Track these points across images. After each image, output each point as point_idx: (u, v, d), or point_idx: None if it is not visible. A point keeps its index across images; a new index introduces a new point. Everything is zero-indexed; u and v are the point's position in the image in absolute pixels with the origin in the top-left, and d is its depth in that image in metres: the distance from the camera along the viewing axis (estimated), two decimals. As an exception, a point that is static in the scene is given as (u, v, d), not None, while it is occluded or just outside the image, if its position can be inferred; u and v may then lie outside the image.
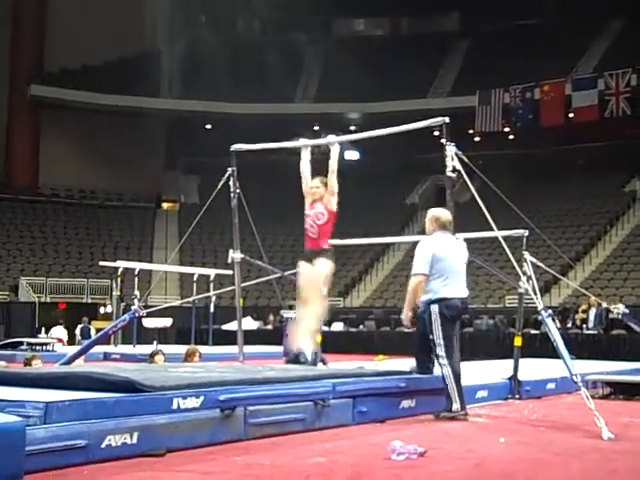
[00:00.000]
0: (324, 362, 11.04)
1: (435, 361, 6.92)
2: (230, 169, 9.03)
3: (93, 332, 20.50)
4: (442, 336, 6.72)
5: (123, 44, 33.35)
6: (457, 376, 6.77)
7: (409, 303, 6.93)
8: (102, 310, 24.23)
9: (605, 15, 33.53)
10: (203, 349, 12.56)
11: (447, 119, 7.63)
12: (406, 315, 7.00)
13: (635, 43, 30.15)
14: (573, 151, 31.42)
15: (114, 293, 21.90)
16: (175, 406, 5.21)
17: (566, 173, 30.92)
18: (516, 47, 32.44)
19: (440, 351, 6.74)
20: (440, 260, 6.78)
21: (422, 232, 7.48)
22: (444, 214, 7.12)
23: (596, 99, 28.98)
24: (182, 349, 14.16)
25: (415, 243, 7.66)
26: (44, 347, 16.97)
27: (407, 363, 7.64)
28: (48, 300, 26.51)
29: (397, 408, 6.82)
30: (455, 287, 6.82)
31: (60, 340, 19.72)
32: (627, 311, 9.45)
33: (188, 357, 10.85)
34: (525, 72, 30.65)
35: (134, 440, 4.86)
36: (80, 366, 8.46)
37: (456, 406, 6.73)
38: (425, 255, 6.79)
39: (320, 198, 8.01)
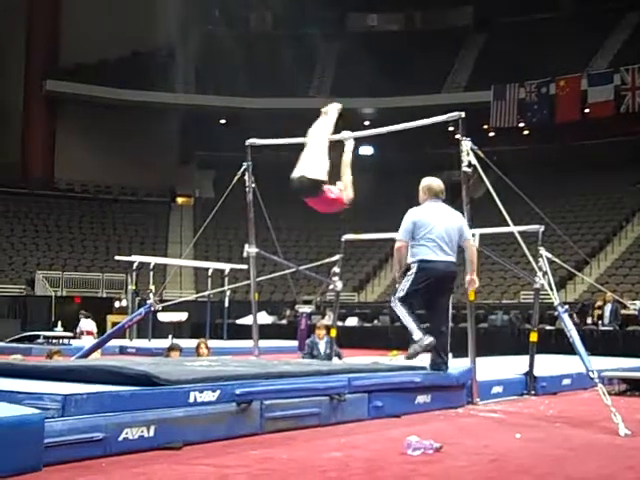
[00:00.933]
0: (340, 356, 11.10)
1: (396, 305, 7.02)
2: (245, 164, 9.05)
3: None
4: (407, 288, 7.00)
5: (137, 39, 33.44)
6: (412, 313, 6.96)
7: (395, 265, 7.33)
8: (117, 304, 24.31)
9: (621, 9, 33.31)
10: (218, 343, 12.64)
11: (463, 114, 7.61)
12: (394, 275, 7.42)
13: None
14: (588, 147, 31.23)
15: (129, 287, 21.96)
16: (192, 400, 5.23)
17: (581, 169, 30.76)
18: (531, 42, 32.27)
19: (399, 296, 6.99)
20: (424, 226, 7.07)
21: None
22: (436, 183, 7.37)
23: (612, 94, 28.83)
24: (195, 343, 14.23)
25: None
26: (60, 340, 17.07)
27: (421, 359, 7.63)
28: (64, 294, 26.64)
29: (412, 403, 6.82)
30: (439, 251, 7.05)
31: (90, 333, 19.79)
32: (643, 307, 9.40)
33: (197, 349, 10.95)
34: (540, 67, 30.50)
35: (151, 433, 4.89)
36: (97, 359, 8.51)
37: (418, 335, 6.86)
38: (406, 223, 7.16)
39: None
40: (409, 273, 7.07)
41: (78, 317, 21.64)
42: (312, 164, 7.70)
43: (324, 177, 7.66)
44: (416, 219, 7.11)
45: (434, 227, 7.07)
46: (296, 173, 7.68)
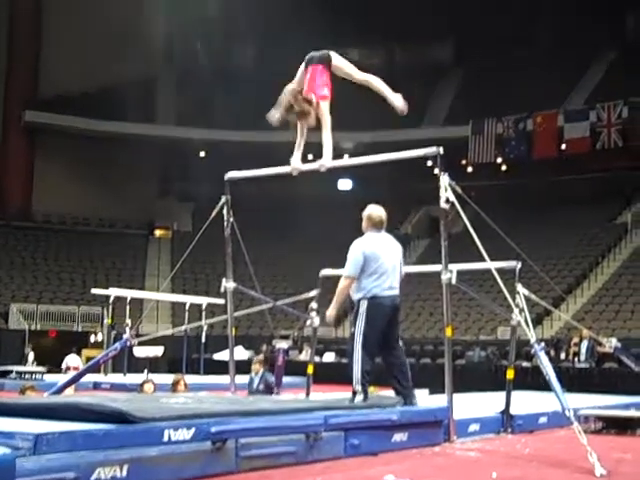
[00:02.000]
0: (270, 389, 11.21)
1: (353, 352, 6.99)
2: (224, 198, 9.02)
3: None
4: (363, 332, 6.93)
5: (118, 70, 33.48)
6: (368, 369, 6.93)
7: (336, 303, 7.18)
8: (93, 338, 24.07)
9: (597, 47, 33.88)
10: (195, 379, 12.52)
11: (441, 150, 7.66)
12: (330, 314, 7.20)
13: (626, 75, 30.49)
14: (565, 182, 31.54)
15: (105, 321, 21.78)
16: (166, 438, 5.16)
17: (558, 204, 31.02)
18: (509, 78, 32.70)
19: (357, 344, 6.92)
20: (371, 259, 6.99)
21: (416, 262, 7.53)
22: (376, 213, 7.29)
23: (588, 131, 29.22)
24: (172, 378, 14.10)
25: (407, 274, 7.70)
26: (33, 376, 16.83)
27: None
28: (39, 327, 26.34)
29: (389, 441, 6.77)
30: (386, 285, 7.01)
31: (76, 368, 19.53)
32: (619, 345, 9.44)
33: (173, 386, 10.96)
34: (518, 103, 30.87)
35: (124, 473, 4.80)
36: (70, 396, 8.40)
37: (359, 398, 6.89)
38: (356, 257, 7.02)
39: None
40: (360, 312, 7.01)
41: (55, 351, 21.46)
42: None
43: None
44: (367, 252, 7.03)
45: (382, 260, 7.05)
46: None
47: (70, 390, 9.43)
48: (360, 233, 7.48)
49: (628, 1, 32.69)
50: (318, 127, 7.68)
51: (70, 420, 5.09)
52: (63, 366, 19.93)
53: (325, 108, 7.56)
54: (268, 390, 11.51)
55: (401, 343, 7.36)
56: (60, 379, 10.99)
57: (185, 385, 11.30)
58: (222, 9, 32.78)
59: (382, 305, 7.01)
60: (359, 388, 6.93)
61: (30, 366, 19.42)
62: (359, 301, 7.06)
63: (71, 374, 16.45)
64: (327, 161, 7.66)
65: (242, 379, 13.74)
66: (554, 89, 31.94)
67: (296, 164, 7.91)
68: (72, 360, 20.19)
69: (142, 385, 11.04)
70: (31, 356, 21.57)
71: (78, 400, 6.06)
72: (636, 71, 30.07)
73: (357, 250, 7.07)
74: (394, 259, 7.20)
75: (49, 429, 4.69)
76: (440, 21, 34.73)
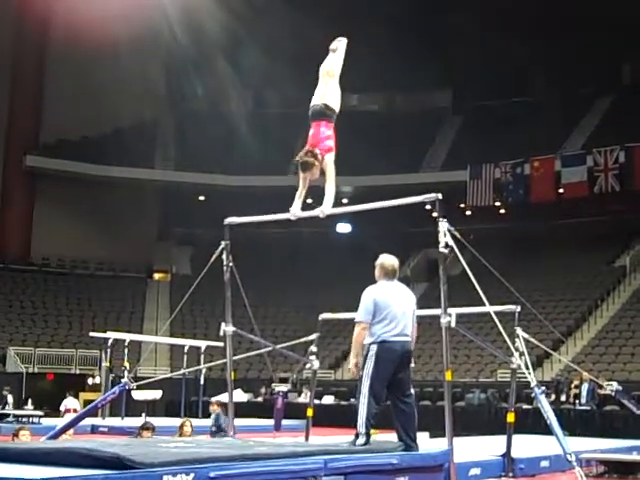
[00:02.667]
0: (220, 429, 11.52)
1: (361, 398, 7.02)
2: (223, 243, 9.05)
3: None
4: (371, 375, 6.98)
5: (118, 116, 33.78)
6: (373, 413, 6.95)
7: (354, 350, 7.22)
8: (90, 381, 23.92)
9: (592, 94, 34.26)
10: (193, 422, 12.47)
11: (440, 195, 7.71)
12: (352, 363, 7.23)
13: (622, 120, 30.78)
14: (564, 226, 31.65)
15: (103, 364, 21.67)
16: (165, 483, 5.12)
17: (557, 248, 31.11)
18: (506, 124, 32.98)
19: (364, 388, 6.98)
20: (382, 306, 7.05)
21: (416, 305, 7.54)
22: (388, 262, 7.33)
23: (585, 175, 29.38)
24: (171, 422, 14.05)
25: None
26: (30, 419, 16.73)
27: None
28: (36, 370, 26.18)
29: (390, 486, 6.71)
30: (396, 331, 7.05)
31: (75, 410, 19.41)
32: (620, 388, 9.41)
33: (180, 429, 11.15)
34: (515, 148, 31.10)
35: (122, 518, 4.77)
36: (67, 440, 8.34)
37: (361, 441, 6.90)
38: (367, 304, 7.09)
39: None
40: (369, 355, 7.04)
41: (53, 394, 21.31)
42: (332, 96, 8.02)
43: (338, 109, 8.00)
44: (377, 299, 7.10)
45: (392, 307, 7.10)
46: (317, 101, 7.96)
47: (68, 434, 9.36)
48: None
49: (624, 48, 33.09)
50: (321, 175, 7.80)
51: (68, 466, 5.06)
52: (62, 409, 19.79)
53: (330, 160, 7.76)
54: (219, 430, 12.12)
55: (413, 391, 7.31)
56: (58, 422, 10.94)
57: (191, 427, 11.39)
58: (221, 55, 33.17)
59: (391, 350, 7.02)
60: (363, 431, 6.92)
61: (21, 410, 19.25)
62: (369, 345, 7.09)
63: (69, 417, 16.40)
64: (327, 209, 7.83)
65: (241, 422, 13.69)
66: (551, 134, 32.23)
67: (296, 212, 8.05)
68: (70, 403, 20.06)
69: (141, 429, 10.99)
70: (10, 399, 21.40)
71: (76, 445, 6.01)
72: (632, 116, 30.38)
73: (368, 297, 7.13)
74: (406, 307, 7.23)
75: (46, 475, 4.66)
76: (439, 68, 35.14)
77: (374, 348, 7.03)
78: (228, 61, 33.69)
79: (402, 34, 34.64)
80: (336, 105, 8.00)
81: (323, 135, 7.83)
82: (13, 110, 33.82)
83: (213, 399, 15.32)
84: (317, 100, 8.00)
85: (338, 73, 8.22)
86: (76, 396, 21.91)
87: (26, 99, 33.74)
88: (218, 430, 12.75)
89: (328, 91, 8.04)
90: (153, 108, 36.79)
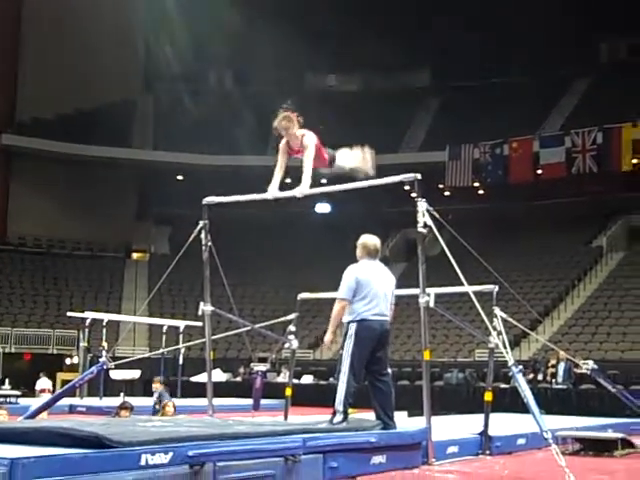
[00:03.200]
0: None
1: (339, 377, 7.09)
2: (202, 222, 9.01)
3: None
4: (351, 354, 7.04)
5: (96, 94, 33.45)
6: (352, 391, 7.01)
7: (332, 326, 7.26)
8: (68, 361, 23.84)
9: (570, 76, 34.37)
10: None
11: (419, 175, 7.72)
12: (328, 338, 7.36)
13: (600, 102, 30.91)
14: (542, 207, 31.82)
15: (81, 344, 21.60)
16: (143, 462, 5.10)
17: (535, 228, 31.28)
18: (486, 104, 33.04)
19: (344, 366, 7.05)
20: (363, 285, 7.12)
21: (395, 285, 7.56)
22: (371, 242, 7.39)
23: (563, 156, 29.50)
24: (150, 401, 14.04)
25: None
26: (8, 399, 16.64)
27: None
28: (13, 350, 26.05)
29: (368, 464, 6.76)
30: (375, 310, 7.12)
31: (49, 391, 19.38)
32: (596, 367, 9.50)
33: (162, 409, 11.25)
34: (494, 129, 31.17)
35: (100, 497, 4.76)
36: (45, 420, 8.30)
37: (338, 419, 6.97)
38: (349, 281, 7.16)
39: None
40: (349, 334, 7.08)
41: (30, 374, 21.22)
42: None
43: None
44: (360, 277, 7.14)
45: (373, 286, 7.15)
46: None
47: (44, 414, 9.33)
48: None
49: (601, 29, 33.18)
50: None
51: (46, 445, 5.04)
52: (37, 388, 19.74)
53: (310, 140, 7.87)
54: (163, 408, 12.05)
55: (389, 371, 7.36)
56: (34, 402, 10.88)
57: (174, 408, 11.41)
58: (200, 33, 32.89)
59: (371, 328, 7.08)
60: (340, 408, 6.95)
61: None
62: (348, 324, 7.14)
63: (45, 397, 16.37)
64: (305, 189, 7.83)
65: (220, 402, 13.67)
66: (529, 115, 32.32)
67: (274, 192, 8.03)
68: (44, 383, 20.02)
69: (119, 409, 10.97)
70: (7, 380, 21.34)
71: (53, 424, 5.98)
72: (610, 97, 30.52)
73: (351, 275, 7.18)
74: (386, 287, 7.29)
75: (25, 454, 4.63)
76: (417, 49, 35.08)
77: (353, 326, 7.08)
78: (207, 39, 33.39)
79: (380, 14, 34.55)
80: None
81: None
82: (-12, 88, 33.42)
83: (155, 377, 15.25)
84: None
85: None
86: (54, 376, 21.85)
87: (1, 77, 33.29)
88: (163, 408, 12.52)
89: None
90: (131, 87, 36.47)
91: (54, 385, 20.51)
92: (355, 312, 7.10)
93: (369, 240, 7.38)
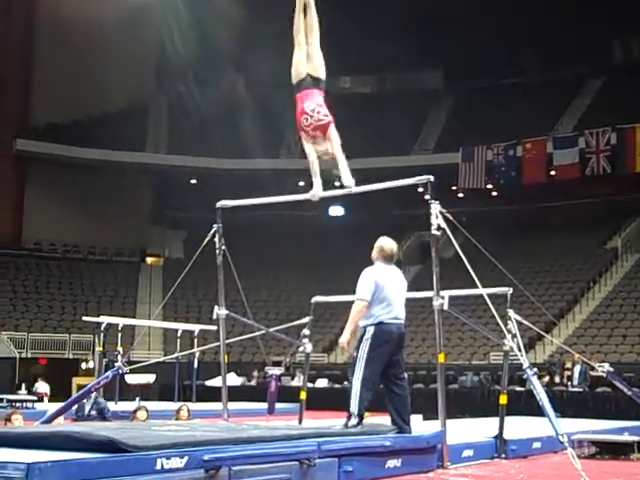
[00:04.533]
0: (104, 415, 11.42)
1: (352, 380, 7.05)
2: (216, 226, 9.03)
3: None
4: (366, 357, 6.99)
5: (109, 99, 33.59)
6: (367, 395, 6.93)
7: (350, 326, 7.17)
8: (84, 366, 23.92)
9: (584, 76, 34.24)
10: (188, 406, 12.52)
11: (432, 177, 7.71)
12: (346, 338, 7.16)
13: (614, 102, 30.76)
14: (556, 208, 31.71)
15: (97, 349, 21.66)
16: (159, 466, 5.12)
17: (549, 230, 31.17)
18: (499, 105, 32.97)
19: (358, 369, 6.99)
20: (381, 288, 7.09)
21: (408, 288, 7.55)
22: (388, 246, 7.36)
23: (577, 157, 29.37)
24: (165, 405, 14.07)
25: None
26: (24, 404, 16.73)
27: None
28: (29, 355, 26.17)
29: (383, 468, 6.75)
30: (392, 314, 7.10)
31: (46, 395, 19.50)
32: (612, 369, 9.44)
33: (177, 413, 11.20)
34: (508, 130, 31.08)
35: (117, 502, 4.78)
36: (61, 424, 8.34)
37: (353, 422, 6.92)
38: (368, 283, 7.11)
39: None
40: (365, 337, 7.06)
41: (46, 379, 21.37)
42: (314, 61, 7.66)
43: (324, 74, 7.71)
44: (378, 280, 7.12)
45: (390, 290, 7.15)
46: (299, 70, 7.57)
47: (60, 418, 9.37)
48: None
49: (615, 29, 33.03)
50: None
51: (62, 449, 5.06)
52: (35, 392, 19.91)
53: (333, 130, 7.69)
54: (100, 415, 11.65)
55: (405, 375, 7.35)
56: (50, 407, 10.93)
57: (188, 412, 11.43)
58: (213, 38, 32.95)
59: (388, 331, 7.07)
60: (355, 412, 6.93)
61: (14, 394, 19.31)
62: (365, 327, 7.11)
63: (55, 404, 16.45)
64: (349, 180, 7.70)
65: (235, 406, 13.69)
66: (543, 116, 32.21)
67: (318, 192, 7.91)
68: (41, 387, 20.14)
69: (135, 412, 11.02)
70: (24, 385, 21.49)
71: (69, 429, 6.02)
72: (623, 98, 30.37)
73: (369, 277, 7.15)
74: (401, 292, 7.29)
75: (41, 458, 4.66)
76: (430, 50, 35.01)
77: (371, 330, 7.05)
78: (220, 42, 33.46)
79: (393, 15, 34.51)
80: (320, 71, 7.66)
81: (314, 105, 7.58)
82: (2, 94, 33.54)
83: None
84: (299, 69, 7.62)
85: (317, 33, 7.69)
86: (69, 381, 21.94)
87: (15, 82, 33.46)
88: (99, 415, 11.75)
89: (308, 57, 7.62)
90: (145, 91, 36.61)
91: (69, 390, 20.57)
92: (373, 315, 7.07)
93: (387, 244, 7.37)
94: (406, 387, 7.28)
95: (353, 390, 7.01)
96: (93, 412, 11.87)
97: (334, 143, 7.63)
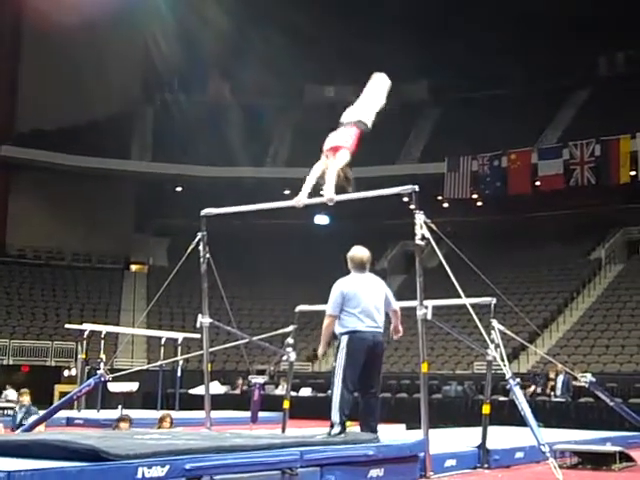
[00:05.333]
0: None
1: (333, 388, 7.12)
2: (200, 234, 9.01)
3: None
4: (343, 366, 7.05)
5: (95, 106, 33.50)
6: (347, 403, 7.00)
7: (323, 340, 7.36)
8: (66, 373, 23.78)
9: (569, 88, 34.49)
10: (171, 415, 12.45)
11: (416, 187, 7.73)
12: (321, 350, 7.50)
13: (599, 114, 30.99)
14: (540, 219, 31.85)
15: (79, 356, 21.54)
16: (140, 475, 5.08)
17: (533, 240, 31.32)
18: (484, 116, 33.11)
19: (337, 378, 7.06)
20: (351, 298, 7.16)
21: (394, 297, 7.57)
22: (357, 255, 7.43)
23: (561, 168, 29.55)
24: (148, 414, 14.00)
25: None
26: (4, 412, 16.61)
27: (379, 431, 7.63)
28: (11, 362, 25.99)
29: (365, 477, 6.73)
30: (367, 322, 7.14)
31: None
32: (594, 380, 9.49)
33: (160, 422, 11.05)
34: (493, 140, 31.23)
35: (97, 511, 4.74)
36: (42, 433, 8.28)
37: (335, 431, 6.93)
38: (335, 297, 7.24)
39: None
40: (341, 346, 7.11)
41: (28, 387, 21.17)
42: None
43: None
44: (345, 291, 7.20)
45: (362, 298, 7.19)
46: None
47: (42, 426, 9.30)
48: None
49: (600, 41, 33.29)
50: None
51: (42, 458, 5.02)
52: (2, 398, 19.75)
53: (341, 155, 8.04)
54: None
55: (378, 388, 7.40)
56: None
57: (171, 421, 11.35)
58: (199, 46, 32.97)
59: (363, 339, 7.10)
60: (337, 420, 6.95)
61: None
62: (341, 336, 7.17)
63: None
64: (331, 193, 7.78)
65: (218, 414, 13.64)
66: (528, 127, 32.40)
67: (302, 199, 8.04)
68: (10, 394, 20.03)
69: (118, 421, 10.96)
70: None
71: (51, 437, 5.98)
72: (608, 110, 30.60)
73: (336, 290, 7.25)
74: (376, 299, 7.31)
75: (21, 467, 4.62)
76: (417, 60, 35.16)
77: (345, 339, 7.11)
78: (207, 51, 33.50)
79: (380, 25, 34.67)
80: (359, 116, 8.65)
81: (343, 133, 8.38)
82: (-12, 100, 33.47)
83: (21, 390, 14.24)
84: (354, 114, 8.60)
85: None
86: (52, 388, 21.80)
87: (1, 88, 33.35)
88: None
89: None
90: (130, 99, 36.53)
91: (51, 398, 20.43)
92: (347, 325, 7.13)
93: (356, 253, 7.43)
94: (378, 397, 7.36)
95: (333, 399, 7.05)
96: (24, 422, 11.66)
97: (336, 159, 7.94)
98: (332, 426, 7.00)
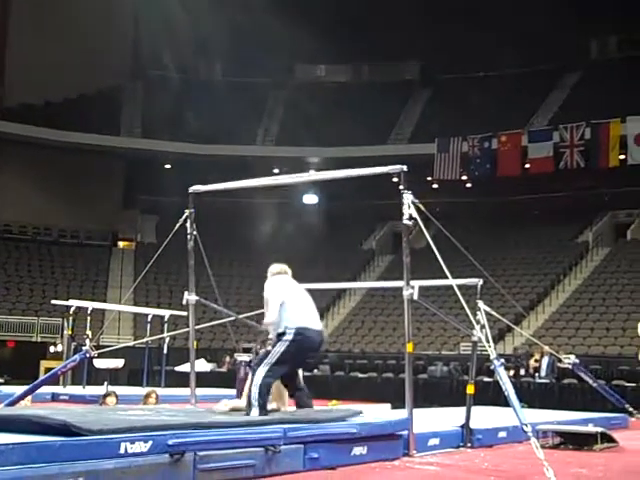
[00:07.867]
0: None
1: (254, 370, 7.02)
2: (187, 211, 8.96)
3: None
4: (276, 360, 6.91)
5: (84, 81, 33.28)
6: (268, 390, 6.91)
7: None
8: (52, 349, 23.76)
9: (560, 70, 34.45)
10: (156, 391, 12.45)
11: (405, 167, 7.71)
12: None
13: (589, 97, 30.98)
14: (529, 201, 31.93)
15: (65, 332, 21.51)
16: (122, 450, 5.10)
17: (522, 222, 31.40)
18: (475, 98, 33.04)
19: (263, 367, 6.88)
20: (294, 294, 7.26)
21: (380, 278, 7.58)
22: (274, 268, 7.60)
23: (551, 151, 29.55)
24: (134, 390, 14.01)
25: (370, 289, 7.71)
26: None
27: (363, 409, 7.73)
28: (-4, 338, 25.98)
29: (349, 455, 6.77)
30: (313, 320, 7.20)
31: None
32: (577, 361, 9.54)
33: (145, 398, 11.04)
34: (483, 122, 31.20)
35: (79, 485, 4.75)
36: (24, 408, 8.27)
37: (255, 412, 6.73)
38: (276, 298, 7.15)
39: None
40: (285, 338, 6.98)
41: (14, 362, 21.20)
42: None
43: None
44: (283, 291, 7.22)
45: (302, 296, 7.33)
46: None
47: (26, 402, 9.29)
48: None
49: (592, 25, 33.20)
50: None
51: (23, 433, 5.02)
52: None
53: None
54: None
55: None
56: (18, 391, 10.84)
57: (157, 398, 11.36)
58: (190, 22, 32.71)
59: (307, 339, 7.06)
60: (256, 403, 6.76)
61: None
62: (287, 329, 7.03)
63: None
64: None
65: (204, 391, 13.66)
66: (519, 109, 32.38)
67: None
68: None
69: (105, 397, 10.96)
70: None
71: (28, 412, 5.97)
72: (598, 93, 30.59)
73: (275, 292, 7.22)
74: (305, 297, 7.38)
75: (2, 441, 4.62)
76: (407, 40, 35.03)
77: (292, 332, 7.00)
78: (196, 27, 33.24)
79: (371, 5, 34.49)
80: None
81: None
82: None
83: None
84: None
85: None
86: (37, 364, 21.78)
87: (-12, 62, 33.09)
88: None
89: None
90: (120, 74, 36.30)
91: (36, 373, 20.43)
92: (292, 320, 7.04)
93: (272, 268, 7.59)
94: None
95: (255, 381, 6.85)
96: None
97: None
98: (250, 407, 6.81)
